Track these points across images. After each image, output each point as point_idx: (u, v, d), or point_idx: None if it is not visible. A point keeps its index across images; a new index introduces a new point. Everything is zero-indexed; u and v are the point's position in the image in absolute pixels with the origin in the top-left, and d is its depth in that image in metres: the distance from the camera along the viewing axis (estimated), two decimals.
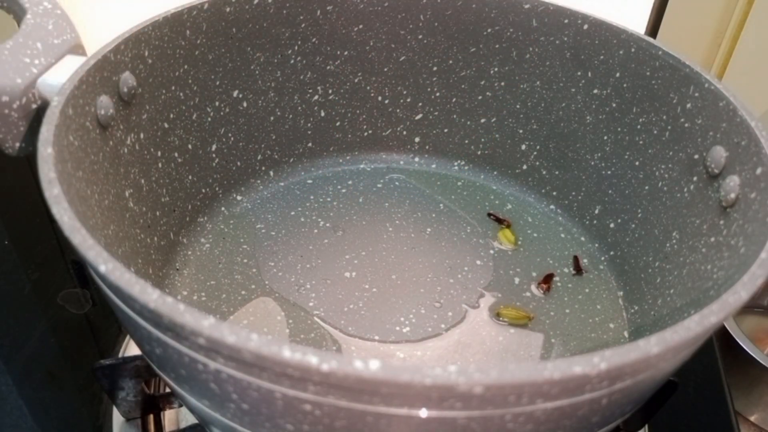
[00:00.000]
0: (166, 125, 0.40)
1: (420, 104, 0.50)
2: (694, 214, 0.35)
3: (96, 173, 0.33)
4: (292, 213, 0.47)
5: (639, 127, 0.41)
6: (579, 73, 0.44)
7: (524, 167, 0.49)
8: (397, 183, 0.51)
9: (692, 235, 0.35)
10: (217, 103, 0.44)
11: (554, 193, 0.48)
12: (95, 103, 0.33)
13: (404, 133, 0.52)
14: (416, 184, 0.51)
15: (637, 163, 0.41)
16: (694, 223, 0.35)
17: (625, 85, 0.41)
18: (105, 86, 0.34)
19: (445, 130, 0.51)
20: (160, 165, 0.40)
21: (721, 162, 0.34)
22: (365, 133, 0.51)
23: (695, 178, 0.36)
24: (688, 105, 0.37)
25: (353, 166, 0.52)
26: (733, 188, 0.32)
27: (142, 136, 0.38)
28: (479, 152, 0.51)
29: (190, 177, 0.43)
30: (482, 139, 0.50)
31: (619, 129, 0.42)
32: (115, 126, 0.35)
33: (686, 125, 0.37)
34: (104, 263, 0.21)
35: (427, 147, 0.52)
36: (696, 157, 0.36)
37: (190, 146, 0.43)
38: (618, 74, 0.42)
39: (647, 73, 0.40)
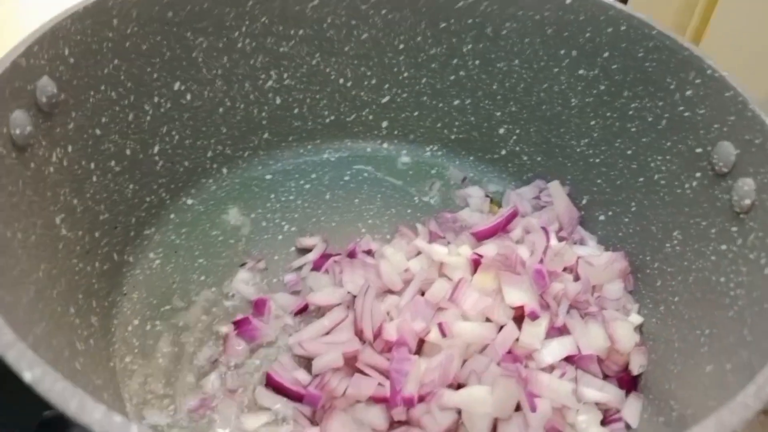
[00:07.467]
0: (98, 132, 0.35)
1: (386, 86, 0.45)
2: (699, 214, 0.33)
3: (16, 207, 0.28)
4: (252, 215, 0.43)
5: (631, 112, 0.38)
6: (562, 52, 0.40)
7: (503, 152, 0.46)
8: (365, 174, 0.46)
9: (697, 238, 0.32)
10: (156, 99, 0.38)
11: (536, 180, 0.45)
12: (7, 122, 0.27)
13: (370, 117, 0.47)
14: (385, 175, 0.46)
15: (629, 152, 0.38)
16: (700, 225, 0.32)
17: (614, 66, 0.38)
18: (18, 99, 0.28)
19: (415, 114, 0.46)
20: (94, 178, 0.35)
21: (731, 160, 0.31)
22: (327, 120, 0.46)
23: (698, 174, 0.33)
24: (688, 92, 0.34)
25: (315, 156, 0.47)
26: (748, 193, 0.29)
27: (70, 149, 0.32)
28: (453, 136, 0.47)
29: (131, 186, 0.38)
30: (456, 123, 0.46)
31: (608, 114, 0.39)
32: (36, 144, 0.30)
33: (686, 114, 0.34)
34: (29, 369, 0.17)
35: (395, 132, 0.47)
36: (699, 150, 0.33)
37: (128, 151, 0.37)
38: (606, 54, 0.38)
39: (640, 54, 0.36)
